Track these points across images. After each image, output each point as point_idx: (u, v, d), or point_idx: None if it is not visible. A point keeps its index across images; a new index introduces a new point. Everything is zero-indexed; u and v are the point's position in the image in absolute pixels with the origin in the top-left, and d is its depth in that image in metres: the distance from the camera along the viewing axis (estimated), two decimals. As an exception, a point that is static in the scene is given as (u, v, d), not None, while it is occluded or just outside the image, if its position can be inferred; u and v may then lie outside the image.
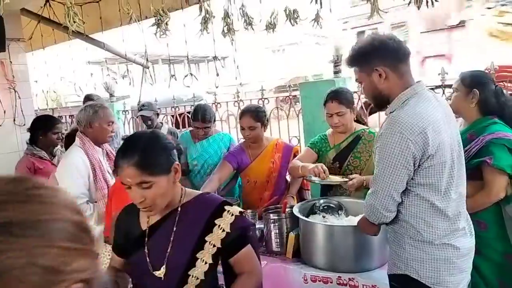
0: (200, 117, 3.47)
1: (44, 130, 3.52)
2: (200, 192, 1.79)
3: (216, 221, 1.60)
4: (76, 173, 2.69)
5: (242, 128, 3.13)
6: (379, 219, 1.82)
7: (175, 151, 1.61)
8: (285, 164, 3.15)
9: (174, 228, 1.60)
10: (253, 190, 3.20)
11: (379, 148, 1.74)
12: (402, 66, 1.79)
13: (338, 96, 2.68)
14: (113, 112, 3.90)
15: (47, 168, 3.53)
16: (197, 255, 1.58)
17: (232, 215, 1.62)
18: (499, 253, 2.27)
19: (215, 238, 1.59)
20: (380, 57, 1.78)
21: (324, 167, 2.50)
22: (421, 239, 1.75)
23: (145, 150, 1.49)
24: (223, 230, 1.59)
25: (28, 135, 3.58)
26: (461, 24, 20.25)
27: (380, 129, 1.81)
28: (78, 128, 2.89)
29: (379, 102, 1.87)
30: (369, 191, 1.83)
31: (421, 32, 21.57)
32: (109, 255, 1.99)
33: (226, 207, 1.64)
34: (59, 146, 3.71)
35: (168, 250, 1.58)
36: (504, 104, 2.38)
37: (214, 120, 3.65)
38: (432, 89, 4.04)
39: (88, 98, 4.56)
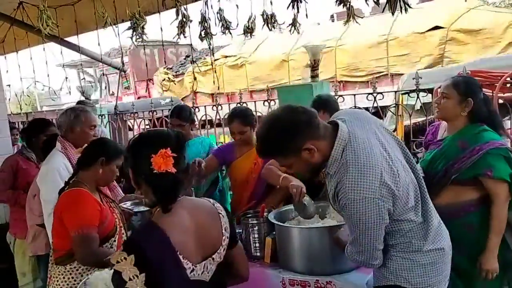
0: (176, 114, 3.49)
1: (36, 133, 3.51)
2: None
3: None
4: (59, 179, 2.59)
5: (233, 133, 3.14)
6: (370, 267, 1.86)
7: None
8: None
9: None
10: (235, 189, 3.28)
11: (351, 217, 1.64)
12: (319, 127, 1.67)
13: (324, 103, 2.75)
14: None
15: (30, 170, 3.54)
16: None
17: None
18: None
19: None
20: (299, 136, 1.63)
21: (304, 190, 2.39)
22: (411, 250, 1.77)
23: None
24: None
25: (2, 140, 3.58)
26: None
27: (337, 194, 1.67)
28: (59, 132, 2.82)
29: (316, 171, 1.80)
30: (351, 249, 1.79)
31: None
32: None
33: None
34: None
35: None
36: (493, 113, 2.40)
37: (192, 122, 3.64)
38: (407, 93, 4.12)
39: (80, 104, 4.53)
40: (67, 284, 2.25)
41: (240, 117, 3.11)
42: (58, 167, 2.64)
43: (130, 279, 1.29)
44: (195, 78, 4.06)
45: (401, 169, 1.70)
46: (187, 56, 11.49)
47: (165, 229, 1.40)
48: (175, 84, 9.88)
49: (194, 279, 1.44)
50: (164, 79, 10.39)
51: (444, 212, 2.34)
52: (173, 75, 10.57)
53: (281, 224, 2.43)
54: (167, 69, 11.00)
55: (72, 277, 2.25)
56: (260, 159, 3.10)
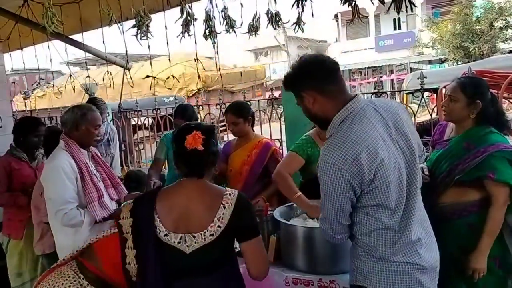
0: (180, 114, 3.62)
1: (25, 132, 3.49)
2: None
3: None
4: (64, 177, 2.57)
5: (228, 124, 3.35)
6: (333, 241, 1.83)
7: None
8: (259, 161, 3.26)
9: None
10: (230, 180, 3.38)
11: (319, 178, 1.73)
12: (328, 86, 1.74)
13: None
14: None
15: (24, 170, 3.51)
16: None
17: None
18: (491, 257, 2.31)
19: None
20: (302, 82, 1.77)
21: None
22: (376, 255, 1.75)
23: None
24: None
25: (6, 137, 3.54)
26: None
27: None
28: (63, 130, 2.76)
29: (319, 123, 1.87)
30: (320, 216, 1.83)
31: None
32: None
33: None
34: (42, 150, 3.64)
35: None
36: (500, 113, 2.39)
37: (195, 120, 3.67)
38: (412, 93, 4.12)
39: (91, 102, 4.46)
40: None
41: (233, 109, 3.32)
42: (62, 165, 2.60)
43: (122, 218, 1.80)
44: (199, 77, 4.09)
45: (392, 168, 1.67)
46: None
47: (159, 197, 1.80)
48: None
49: (169, 243, 1.74)
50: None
51: (447, 212, 2.35)
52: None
53: (287, 222, 2.43)
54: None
55: None
56: (253, 152, 3.25)
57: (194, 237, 1.73)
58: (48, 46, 4.71)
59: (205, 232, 1.73)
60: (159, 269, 1.76)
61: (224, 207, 1.75)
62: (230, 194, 1.79)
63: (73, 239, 2.61)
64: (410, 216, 1.75)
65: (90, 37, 4.80)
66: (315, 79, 1.74)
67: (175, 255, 1.76)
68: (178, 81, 7.05)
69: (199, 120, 3.72)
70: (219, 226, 1.73)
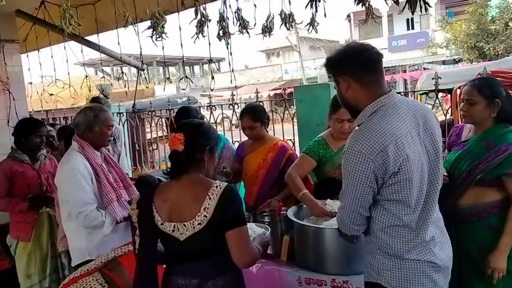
0: (178, 118, 3.63)
1: (26, 133, 3.48)
2: None
3: None
4: (80, 178, 2.57)
5: (243, 128, 3.28)
6: (349, 232, 1.82)
7: None
8: (275, 164, 3.22)
9: None
10: (245, 183, 3.38)
11: (343, 165, 1.74)
12: (366, 75, 1.74)
13: None
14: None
15: (27, 172, 3.50)
16: None
17: None
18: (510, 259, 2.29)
19: None
20: (341, 66, 1.78)
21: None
22: (390, 252, 1.76)
23: None
24: None
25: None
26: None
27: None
28: (76, 131, 2.75)
29: (350, 110, 1.86)
30: (339, 205, 1.84)
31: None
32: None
33: None
34: (44, 151, 3.67)
35: None
36: None
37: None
38: (426, 93, 4.09)
39: (95, 101, 4.49)
40: None
41: (250, 112, 3.23)
42: (77, 166, 2.59)
43: (131, 209, 1.99)
44: (212, 77, 4.12)
45: (416, 165, 1.68)
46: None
47: (156, 191, 1.98)
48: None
49: (165, 231, 1.92)
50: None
51: (466, 214, 2.33)
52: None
53: (300, 222, 2.43)
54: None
55: None
56: (269, 155, 3.20)
57: (185, 225, 1.88)
58: (65, 47, 4.78)
59: (193, 221, 1.87)
60: (153, 253, 1.97)
61: (210, 198, 1.86)
62: (217, 186, 1.89)
63: (87, 241, 2.64)
64: (428, 216, 1.76)
65: (103, 38, 4.86)
66: (353, 66, 1.75)
67: (171, 242, 1.94)
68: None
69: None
70: (205, 216, 1.86)
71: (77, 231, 2.68)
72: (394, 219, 1.72)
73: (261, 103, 4.36)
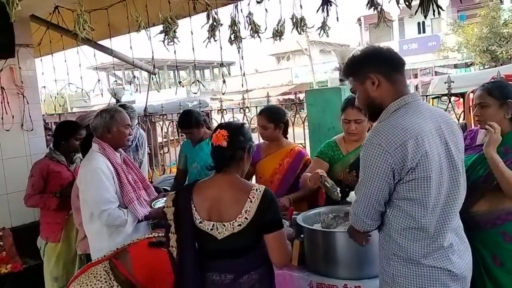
0: (180, 125, 3.75)
1: (66, 136, 3.57)
2: None
3: None
4: (103, 177, 2.64)
5: (258, 125, 3.31)
6: (363, 227, 1.82)
7: None
8: (291, 170, 3.20)
9: None
10: None
11: (362, 157, 1.76)
12: (395, 74, 1.80)
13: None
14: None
15: (63, 173, 3.59)
16: None
17: None
18: None
19: None
20: (373, 64, 1.81)
21: (322, 171, 2.61)
22: (405, 257, 1.74)
23: None
24: None
25: (37, 140, 3.63)
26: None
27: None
28: (95, 134, 2.82)
29: (372, 111, 1.87)
30: (354, 199, 1.85)
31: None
32: None
33: None
34: (80, 154, 3.69)
35: None
36: None
37: (198, 126, 3.69)
38: (438, 97, 4.06)
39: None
40: None
41: (266, 112, 3.26)
42: (100, 166, 2.67)
43: (166, 207, 2.04)
44: (224, 81, 4.15)
45: (434, 164, 1.68)
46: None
47: (195, 189, 2.03)
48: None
49: (203, 229, 1.97)
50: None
51: (480, 221, 2.30)
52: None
53: (310, 227, 2.43)
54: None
55: None
56: (285, 161, 3.17)
57: (224, 225, 1.94)
58: (78, 52, 4.83)
59: (233, 222, 1.93)
60: (195, 251, 2.02)
61: (251, 201, 1.93)
62: (257, 190, 1.96)
63: (108, 241, 2.68)
64: (447, 221, 1.74)
65: (114, 43, 4.91)
66: (386, 64, 1.80)
67: (208, 240, 1.99)
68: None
69: (202, 124, 3.74)
70: (246, 218, 1.92)
71: (99, 231, 2.74)
72: (410, 221, 1.72)
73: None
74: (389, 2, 2.86)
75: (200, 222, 1.97)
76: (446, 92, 3.50)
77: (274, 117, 3.21)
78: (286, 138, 3.40)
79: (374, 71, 1.79)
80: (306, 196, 3.11)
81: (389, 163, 1.65)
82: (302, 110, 4.93)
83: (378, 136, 1.68)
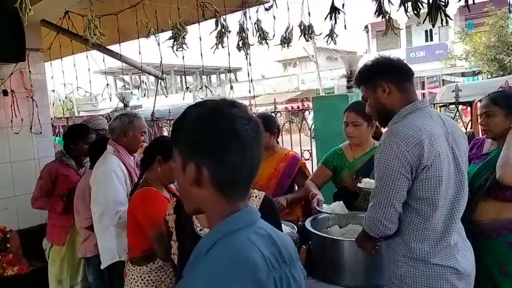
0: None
1: (76, 140, 3.59)
2: None
3: None
4: (116, 179, 2.69)
5: None
6: (382, 232, 1.81)
7: None
8: (287, 174, 3.21)
9: None
10: None
11: (378, 159, 1.79)
12: (405, 83, 1.89)
13: (357, 106, 2.71)
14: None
15: (71, 176, 3.59)
16: None
17: None
18: None
19: None
20: (384, 73, 1.90)
21: (320, 197, 2.67)
22: (413, 257, 1.77)
23: None
24: None
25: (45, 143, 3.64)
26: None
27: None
28: (111, 136, 2.90)
29: (383, 117, 1.94)
30: (370, 205, 1.85)
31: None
32: None
33: None
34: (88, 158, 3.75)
35: None
36: None
37: None
38: (446, 105, 4.05)
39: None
40: (145, 285, 2.30)
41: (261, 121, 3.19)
42: (114, 168, 2.72)
43: (168, 215, 2.03)
44: (231, 87, 4.18)
45: (445, 165, 1.74)
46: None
47: None
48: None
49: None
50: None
51: (485, 230, 2.29)
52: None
53: (319, 233, 2.42)
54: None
55: (151, 279, 2.30)
56: (280, 165, 3.19)
57: None
58: (87, 56, 4.88)
59: None
60: None
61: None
62: (256, 196, 1.96)
63: (117, 242, 2.73)
64: (452, 222, 1.79)
65: (122, 47, 4.94)
66: (397, 73, 1.89)
67: None
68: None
69: None
70: None
71: (107, 232, 2.77)
72: (420, 221, 1.76)
73: (278, 113, 4.38)
74: (397, 10, 2.86)
75: (201, 230, 1.95)
76: (454, 100, 3.50)
77: (268, 125, 3.15)
78: (278, 143, 3.39)
79: (385, 80, 1.87)
80: (302, 198, 3.12)
81: (408, 159, 1.70)
82: (309, 117, 4.93)
83: (395, 135, 1.73)
